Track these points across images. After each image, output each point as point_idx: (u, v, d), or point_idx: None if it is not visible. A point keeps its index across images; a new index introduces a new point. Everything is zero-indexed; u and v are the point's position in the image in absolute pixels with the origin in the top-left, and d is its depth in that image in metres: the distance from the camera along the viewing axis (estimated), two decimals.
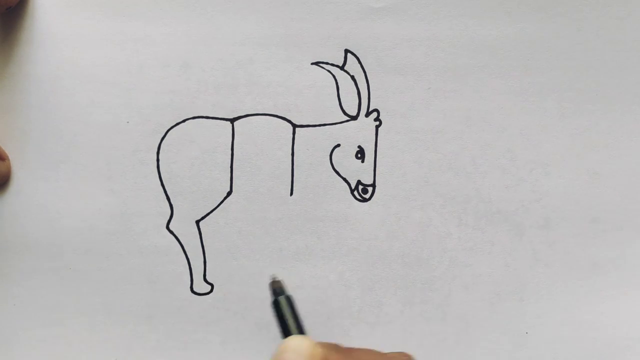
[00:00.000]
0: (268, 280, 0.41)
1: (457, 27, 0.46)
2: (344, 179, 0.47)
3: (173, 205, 0.46)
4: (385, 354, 0.37)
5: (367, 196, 0.47)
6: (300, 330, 0.38)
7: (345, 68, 0.46)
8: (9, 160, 0.46)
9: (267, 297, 0.47)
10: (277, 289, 0.40)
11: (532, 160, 0.46)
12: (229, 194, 0.46)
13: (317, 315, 0.47)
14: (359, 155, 0.46)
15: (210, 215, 0.47)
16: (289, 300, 0.39)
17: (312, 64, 0.46)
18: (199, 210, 0.47)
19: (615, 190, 0.46)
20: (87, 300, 0.47)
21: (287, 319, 0.38)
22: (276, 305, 0.39)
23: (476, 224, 0.47)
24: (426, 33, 0.46)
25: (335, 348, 0.37)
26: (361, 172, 0.47)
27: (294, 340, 0.36)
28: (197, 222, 0.47)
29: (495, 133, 0.46)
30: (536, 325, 0.47)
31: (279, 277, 0.41)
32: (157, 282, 0.47)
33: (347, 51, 0.46)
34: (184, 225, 0.47)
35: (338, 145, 0.46)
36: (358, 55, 0.46)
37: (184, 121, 0.46)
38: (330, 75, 0.46)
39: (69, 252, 0.47)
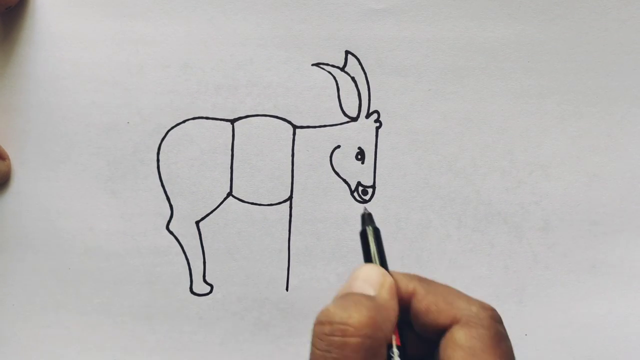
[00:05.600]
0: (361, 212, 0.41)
1: (457, 29, 0.45)
2: (344, 180, 0.47)
3: (173, 206, 0.46)
4: (464, 295, 0.34)
5: (367, 197, 0.47)
6: (382, 261, 0.38)
7: (346, 69, 0.46)
8: (9, 159, 0.46)
9: (266, 298, 0.47)
10: (366, 220, 0.40)
11: (532, 162, 0.46)
12: (228, 194, 0.46)
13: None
14: (359, 157, 0.46)
15: (210, 216, 0.47)
16: (376, 231, 0.39)
17: (313, 65, 0.46)
18: (199, 211, 0.47)
19: (615, 192, 0.46)
20: (87, 300, 0.47)
21: (370, 248, 0.38)
22: (363, 234, 0.40)
23: (476, 225, 0.47)
24: (427, 34, 0.46)
25: (410, 276, 0.35)
26: (361, 173, 0.46)
27: (365, 268, 0.34)
28: (197, 222, 0.47)
29: (495, 135, 0.46)
30: (535, 327, 0.47)
31: (369, 211, 0.41)
32: (157, 282, 0.47)
33: (347, 52, 0.46)
34: (183, 226, 0.47)
35: (338, 147, 0.46)
36: (358, 57, 0.46)
37: (184, 122, 0.46)
38: (331, 77, 0.46)
39: (69, 252, 0.47)
